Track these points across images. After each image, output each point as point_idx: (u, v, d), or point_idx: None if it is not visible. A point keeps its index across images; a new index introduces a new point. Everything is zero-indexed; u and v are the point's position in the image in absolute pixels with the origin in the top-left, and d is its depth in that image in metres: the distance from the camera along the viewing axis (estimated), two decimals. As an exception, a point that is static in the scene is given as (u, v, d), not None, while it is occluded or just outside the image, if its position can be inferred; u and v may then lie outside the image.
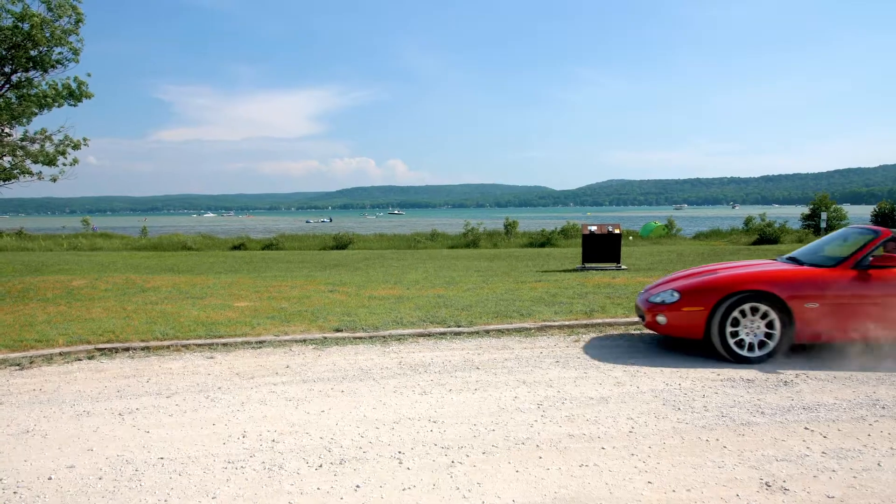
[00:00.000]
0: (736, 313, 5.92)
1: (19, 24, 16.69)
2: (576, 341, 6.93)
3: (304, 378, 5.59)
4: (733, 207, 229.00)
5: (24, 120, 19.34)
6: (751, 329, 5.98)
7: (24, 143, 19.83)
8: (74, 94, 19.79)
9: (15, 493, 3.45)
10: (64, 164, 20.62)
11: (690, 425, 4.29)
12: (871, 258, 6.04)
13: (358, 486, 3.45)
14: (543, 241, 27.83)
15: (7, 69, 18.38)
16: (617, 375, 5.55)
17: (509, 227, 30.69)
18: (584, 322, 7.58)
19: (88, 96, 20.20)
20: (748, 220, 33.01)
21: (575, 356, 6.27)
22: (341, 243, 29.59)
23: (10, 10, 16.26)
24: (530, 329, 7.39)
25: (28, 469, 3.76)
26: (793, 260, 6.73)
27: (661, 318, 6.31)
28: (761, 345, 5.96)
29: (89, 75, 20.28)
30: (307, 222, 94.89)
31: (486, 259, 19.04)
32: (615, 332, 7.30)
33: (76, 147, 20.93)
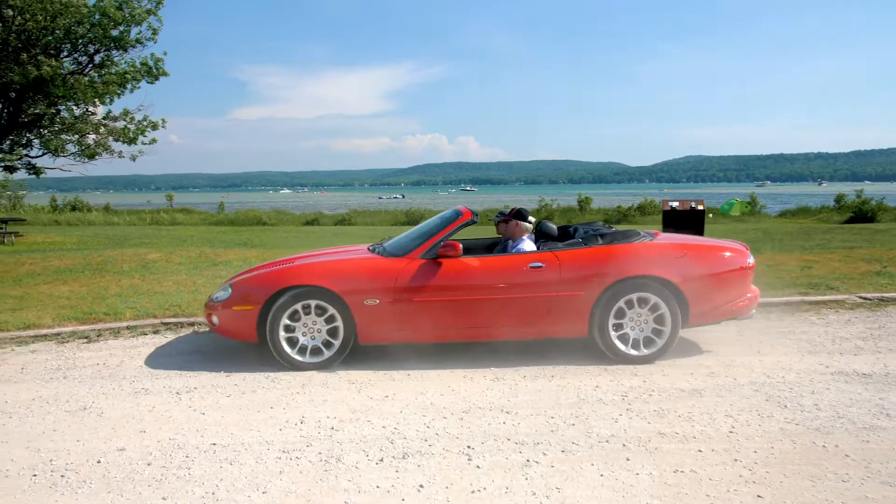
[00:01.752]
0: (294, 310, 5.01)
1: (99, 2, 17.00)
2: (660, 325, 6.38)
3: (366, 358, 5.29)
4: (820, 184, 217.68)
5: (107, 99, 19.85)
6: (310, 330, 5.10)
7: (106, 121, 20.40)
8: (152, 72, 20.18)
9: (62, 476, 3.26)
10: (143, 143, 21.21)
11: (801, 426, 3.74)
12: (442, 245, 5.15)
13: (422, 486, 3.09)
14: (619, 217, 26.86)
15: (90, 49, 18.86)
16: (709, 364, 5.00)
17: (583, 204, 29.83)
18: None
19: (165, 74, 20.58)
20: (839, 198, 30.94)
21: (661, 341, 5.73)
22: (413, 219, 29.46)
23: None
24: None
25: (79, 450, 3.58)
26: (379, 248, 5.71)
27: (214, 319, 5.28)
28: (324, 346, 5.10)
29: (165, 53, 20.63)
30: (380, 198, 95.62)
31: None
32: (704, 316, 6.69)
33: (154, 127, 21.43)
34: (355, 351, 5.24)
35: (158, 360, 5.37)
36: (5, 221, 17.71)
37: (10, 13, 16.20)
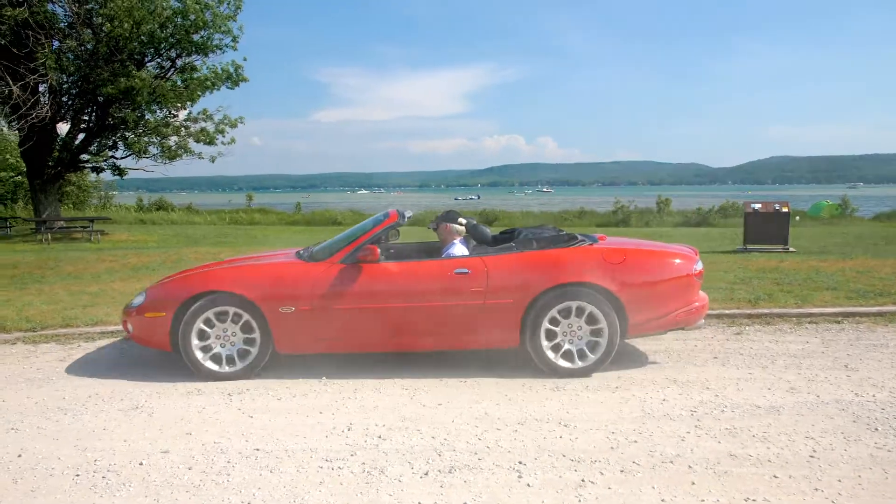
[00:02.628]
0: (206, 318, 4.73)
1: (180, 4, 17.54)
2: (737, 334, 5.95)
3: (420, 363, 5.12)
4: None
5: (189, 103, 20.52)
6: (225, 339, 4.80)
7: (187, 122, 21.10)
8: (232, 78, 20.77)
9: (103, 477, 3.22)
10: (222, 143, 21.83)
11: (895, 453, 3.34)
12: (364, 249, 4.79)
13: (466, 504, 2.89)
14: (699, 219, 25.86)
15: (173, 53, 19.53)
16: (790, 379, 4.59)
17: (662, 205, 28.90)
18: (748, 311, 6.54)
19: (244, 80, 21.12)
20: (944, 199, 28.83)
21: (736, 352, 5.33)
22: (486, 220, 29.28)
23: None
24: (683, 317, 6.48)
25: (124, 451, 3.55)
26: (306, 253, 5.30)
27: (129, 326, 5.02)
28: (240, 355, 4.83)
29: (245, 59, 21.17)
30: (455, 199, 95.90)
31: (635, 238, 17.84)
32: (786, 326, 6.21)
33: (233, 126, 22.03)
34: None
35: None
36: (92, 220, 18.52)
37: (100, 20, 16.93)
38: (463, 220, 5.34)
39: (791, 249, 12.79)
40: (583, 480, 3.08)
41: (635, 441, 3.54)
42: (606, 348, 4.71)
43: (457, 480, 3.12)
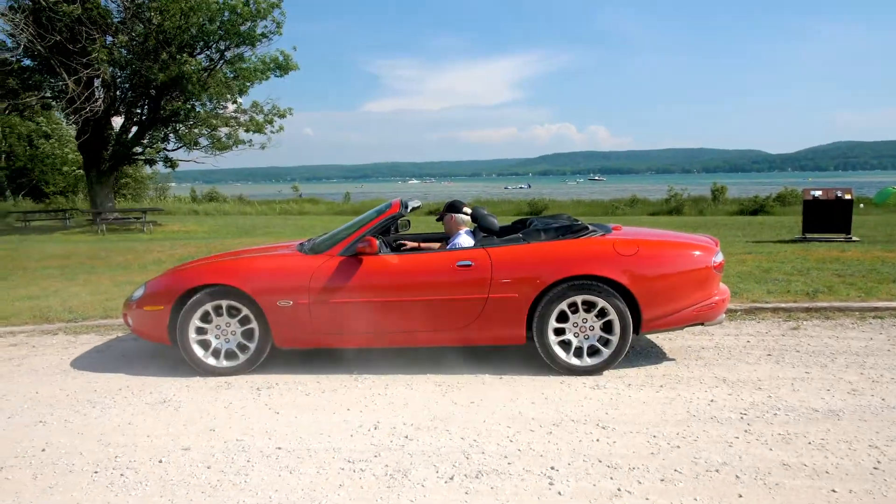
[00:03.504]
0: (204, 312, 4.61)
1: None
2: (794, 329, 5.59)
3: (456, 358, 4.94)
4: None
5: (239, 94, 20.74)
6: (223, 332, 4.67)
7: (237, 114, 21.35)
8: (282, 66, 20.91)
9: (122, 475, 3.15)
10: (272, 132, 22.05)
11: (974, 466, 3.01)
12: (363, 241, 4.58)
13: (490, 514, 2.71)
14: (756, 208, 24.93)
15: (221, 45, 19.74)
16: (852, 380, 4.24)
17: (717, 193, 28.00)
18: (806, 305, 6.14)
19: (294, 68, 21.25)
20: None
21: (793, 349, 4.99)
22: (535, 209, 28.93)
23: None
24: (735, 311, 6.13)
25: (146, 447, 3.48)
26: (307, 245, 5.06)
27: (129, 319, 4.91)
28: (239, 350, 4.71)
29: (294, 48, 21.30)
30: (506, 188, 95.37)
31: (688, 227, 17.25)
32: (848, 321, 5.80)
33: (282, 116, 22.23)
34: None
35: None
36: (144, 211, 18.93)
37: (149, 13, 17.19)
38: (468, 210, 5.12)
39: (854, 239, 12.14)
40: (619, 490, 2.86)
41: (678, 446, 3.29)
42: (618, 345, 4.45)
43: (483, 486, 2.93)
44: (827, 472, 2.96)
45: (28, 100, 17.99)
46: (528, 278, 4.44)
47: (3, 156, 31.48)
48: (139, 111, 19.60)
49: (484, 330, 4.54)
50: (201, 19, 17.69)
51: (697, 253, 4.58)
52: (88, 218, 19.50)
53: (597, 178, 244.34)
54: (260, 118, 21.34)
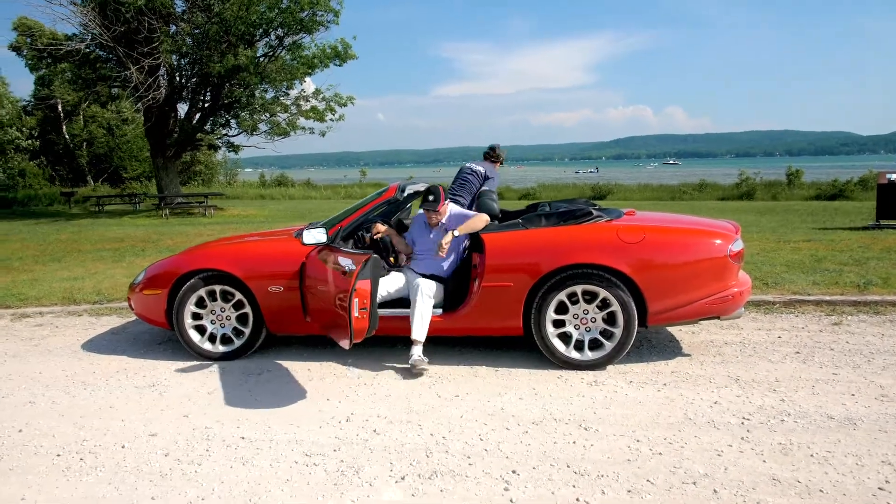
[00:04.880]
0: (199, 296, 4.61)
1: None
2: (835, 324, 5.12)
3: (455, 349, 4.75)
4: None
5: (298, 82, 20.96)
6: (218, 317, 4.66)
7: (298, 101, 21.60)
8: (340, 55, 21.00)
9: (81, 459, 3.12)
10: (332, 120, 22.22)
11: None
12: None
13: (429, 520, 2.51)
14: (834, 192, 23.49)
15: (280, 32, 19.97)
16: (884, 384, 3.81)
17: (792, 177, 26.56)
18: (853, 298, 5.62)
19: (353, 57, 21.30)
20: None
21: (826, 346, 4.56)
22: (599, 193, 28.28)
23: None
24: (773, 303, 5.68)
25: (116, 431, 3.44)
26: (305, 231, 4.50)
27: (133, 303, 4.93)
28: (235, 335, 4.68)
29: (354, 38, 21.37)
30: (576, 173, 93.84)
31: (755, 213, 16.41)
32: (900, 316, 5.28)
33: (343, 104, 22.36)
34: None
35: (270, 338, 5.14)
36: (206, 196, 19.39)
37: (211, 2, 17.51)
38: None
39: (934, 227, 11.20)
40: (577, 499, 2.61)
41: (660, 453, 3.00)
42: (621, 338, 4.14)
43: (433, 489, 2.74)
44: (821, 491, 2.62)
45: (99, 89, 18.70)
46: (523, 266, 4.19)
47: (84, 143, 32.96)
48: (201, 98, 20.07)
49: (478, 319, 4.32)
50: (262, 7, 17.90)
51: (711, 240, 4.21)
52: (154, 202, 20.16)
53: (671, 161, 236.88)
54: (321, 106, 21.52)
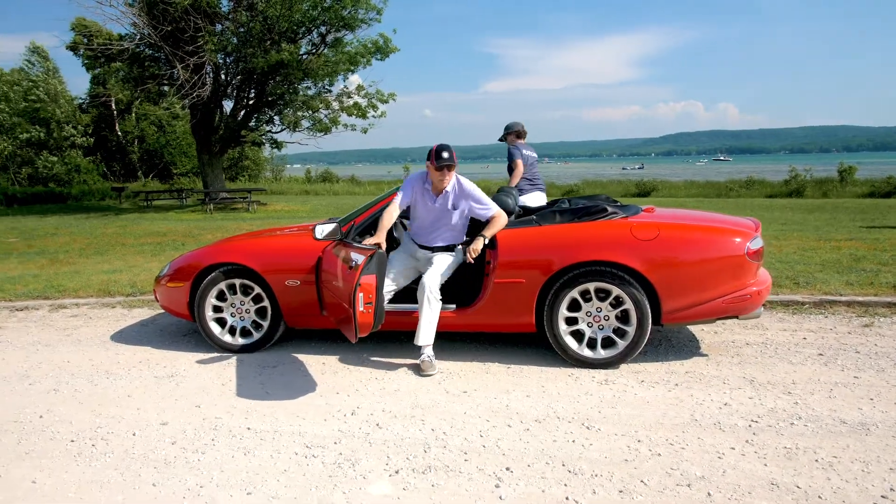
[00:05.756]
0: (220, 290, 4.73)
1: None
2: (865, 326, 4.95)
3: (468, 346, 4.74)
4: None
5: (341, 77, 21.16)
6: (238, 310, 4.78)
7: (340, 98, 21.83)
8: (382, 50, 21.15)
9: (93, 445, 3.23)
10: (373, 117, 22.39)
11: None
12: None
13: (415, 514, 2.53)
14: (889, 190, 22.64)
15: (323, 29, 20.20)
16: (909, 388, 3.68)
17: (844, 174, 25.70)
18: (888, 299, 5.42)
19: (394, 50, 21.44)
20: None
21: (852, 349, 4.41)
22: (644, 190, 27.90)
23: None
24: (802, 304, 5.52)
25: (130, 419, 3.56)
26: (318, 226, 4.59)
27: (158, 295, 5.08)
28: (254, 328, 4.81)
29: (395, 31, 21.52)
30: (623, 169, 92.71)
31: (802, 210, 15.94)
32: (937, 318, 5.08)
33: (384, 101, 22.52)
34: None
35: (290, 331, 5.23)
36: (249, 191, 19.76)
37: (256, 1, 17.82)
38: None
39: None
40: (566, 498, 2.60)
41: (659, 454, 2.96)
42: (634, 337, 4.08)
43: (424, 483, 2.76)
44: (819, 497, 2.55)
45: (149, 87, 19.24)
46: (536, 263, 4.16)
47: (136, 140, 33.94)
48: (246, 95, 20.46)
49: (490, 316, 4.32)
50: (305, 6, 18.15)
51: (728, 238, 4.12)
52: (200, 198, 20.64)
53: (722, 157, 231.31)
54: (363, 102, 21.72)
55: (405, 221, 4.99)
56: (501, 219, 4.35)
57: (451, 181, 4.38)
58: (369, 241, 4.08)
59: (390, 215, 4.27)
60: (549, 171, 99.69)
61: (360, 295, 3.60)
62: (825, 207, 16.97)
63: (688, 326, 5.03)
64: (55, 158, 31.46)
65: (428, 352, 4.22)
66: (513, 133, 6.49)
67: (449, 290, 4.59)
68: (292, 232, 5.16)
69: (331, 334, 5.15)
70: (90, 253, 10.09)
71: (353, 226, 4.50)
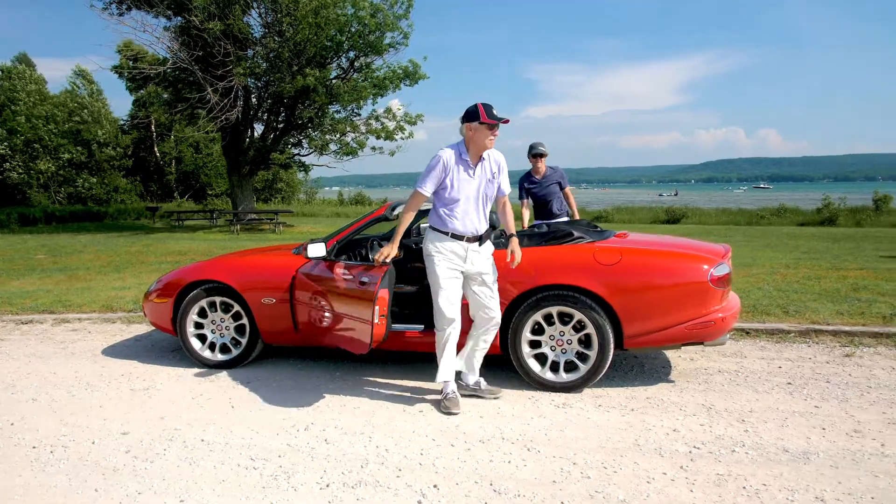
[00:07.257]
0: (201, 307, 4.90)
1: (357, 11, 18.44)
2: (846, 355, 4.88)
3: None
4: None
5: (370, 101, 21.55)
6: (218, 327, 4.94)
7: (369, 121, 22.20)
8: (411, 76, 21.50)
9: (52, 453, 3.38)
10: (401, 139, 22.71)
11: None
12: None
13: (330, 527, 2.60)
14: (931, 220, 22.09)
15: (351, 55, 20.64)
16: (863, 419, 3.63)
17: (879, 203, 25.13)
18: (876, 329, 5.33)
19: (423, 77, 21.78)
20: None
21: (823, 378, 4.36)
22: (673, 217, 27.64)
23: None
24: (787, 332, 5.45)
25: (94, 428, 3.71)
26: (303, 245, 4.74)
27: (146, 310, 5.23)
28: (233, 345, 4.95)
29: (425, 58, 21.90)
30: (660, 195, 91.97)
31: (828, 239, 15.64)
32: (923, 351, 4.97)
33: (412, 123, 22.83)
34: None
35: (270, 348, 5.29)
36: (276, 213, 20.16)
37: (285, 27, 18.34)
38: None
39: None
40: (482, 516, 2.64)
41: (589, 477, 2.98)
42: (595, 361, 4.09)
43: (351, 497, 2.83)
44: (736, 523, 2.55)
45: (182, 108, 19.86)
46: (501, 286, 4.21)
47: (173, 161, 34.90)
48: (275, 119, 20.96)
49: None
50: (332, 31, 18.59)
51: (693, 264, 4.12)
52: (228, 218, 21.12)
53: (763, 185, 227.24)
54: (391, 125, 22.06)
55: (383, 242, 5.09)
56: (509, 203, 4.23)
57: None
58: (385, 249, 3.87)
59: (409, 216, 3.97)
60: (584, 197, 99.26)
61: (377, 308, 3.79)
62: (854, 237, 16.62)
63: (664, 352, 5.02)
64: (94, 179, 32.56)
65: (453, 387, 4.03)
66: (530, 155, 6.33)
67: (415, 311, 4.68)
68: (272, 252, 5.31)
69: (309, 352, 5.27)
70: (109, 270, 10.44)
71: (336, 243, 4.62)
